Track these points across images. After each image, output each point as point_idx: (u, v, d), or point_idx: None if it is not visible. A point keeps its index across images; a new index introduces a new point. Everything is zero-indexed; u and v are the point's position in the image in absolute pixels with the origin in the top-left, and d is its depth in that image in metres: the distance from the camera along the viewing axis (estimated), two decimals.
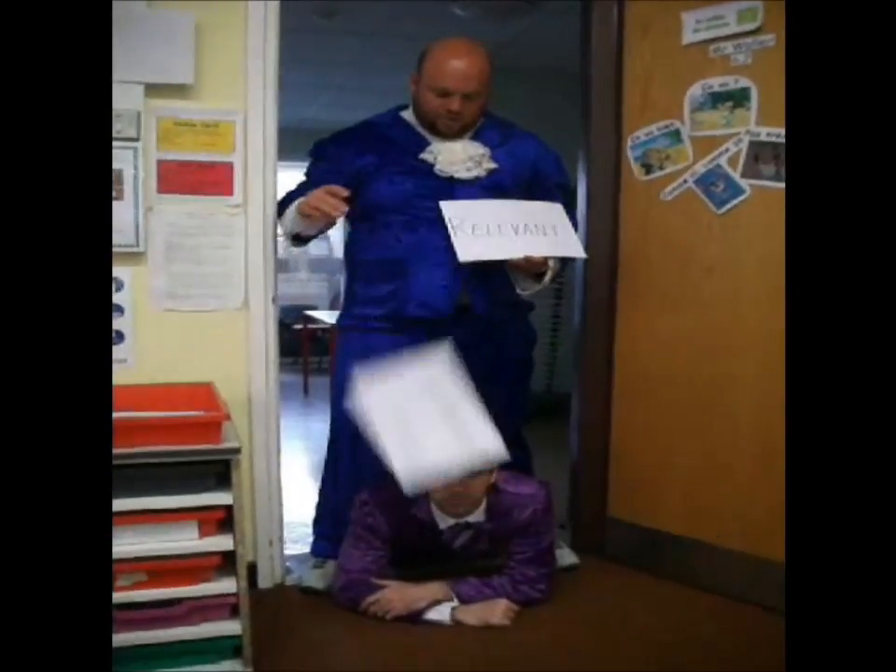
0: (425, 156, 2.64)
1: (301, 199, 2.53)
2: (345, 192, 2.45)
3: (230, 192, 2.64)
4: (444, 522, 2.57)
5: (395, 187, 2.61)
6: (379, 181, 2.63)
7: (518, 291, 2.66)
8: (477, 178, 2.64)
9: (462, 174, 2.63)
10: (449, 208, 2.53)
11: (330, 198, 2.44)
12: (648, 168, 2.85)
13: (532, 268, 2.57)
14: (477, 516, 2.57)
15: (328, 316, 6.71)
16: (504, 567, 2.62)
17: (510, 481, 2.61)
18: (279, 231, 2.71)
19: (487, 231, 2.51)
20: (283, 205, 2.69)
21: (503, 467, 2.61)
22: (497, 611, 2.50)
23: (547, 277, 2.62)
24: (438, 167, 2.62)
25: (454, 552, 2.63)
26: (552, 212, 2.64)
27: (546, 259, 2.56)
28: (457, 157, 2.64)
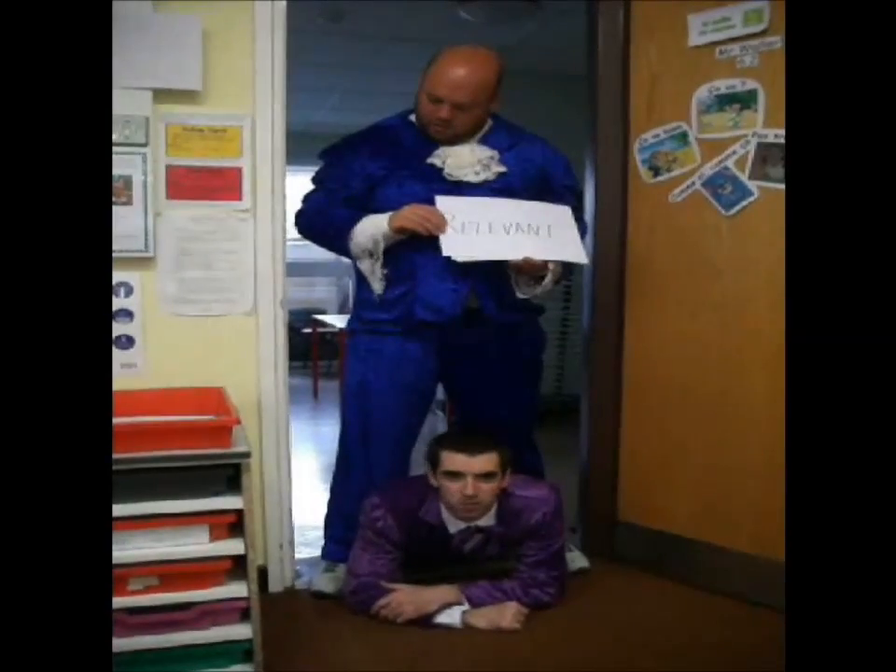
0: (433, 160, 2.64)
1: (392, 214, 2.53)
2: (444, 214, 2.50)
3: (238, 197, 2.64)
4: (455, 526, 2.57)
5: (404, 190, 2.61)
6: (389, 185, 2.63)
7: (517, 294, 2.65)
8: (485, 182, 2.64)
9: (471, 177, 2.63)
10: (444, 203, 2.53)
11: (438, 214, 2.49)
12: (655, 171, 2.85)
13: (531, 270, 2.56)
14: (487, 520, 2.58)
15: (337, 320, 6.73)
16: (514, 570, 2.62)
17: (519, 484, 2.61)
18: (357, 249, 2.62)
19: (477, 229, 2.51)
20: (319, 222, 2.68)
21: (514, 469, 2.62)
22: (507, 615, 2.49)
23: (546, 280, 2.61)
24: (447, 171, 2.63)
25: (464, 556, 2.63)
26: (556, 214, 2.63)
27: (546, 261, 2.56)
28: (466, 160, 2.64)
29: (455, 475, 2.47)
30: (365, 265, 2.62)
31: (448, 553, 2.62)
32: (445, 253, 2.47)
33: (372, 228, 2.57)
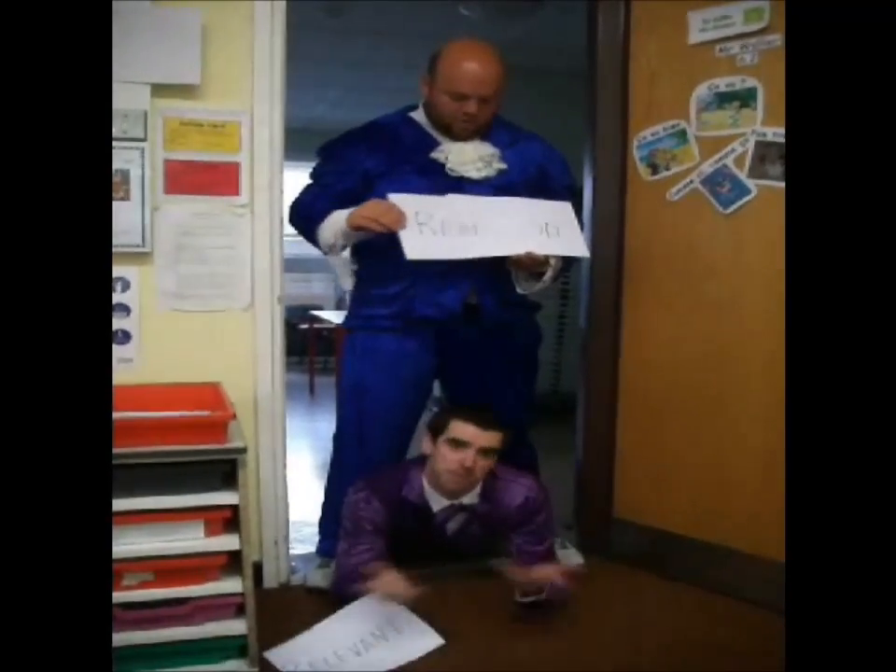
0: (435, 155, 2.64)
1: (352, 210, 2.51)
2: (403, 211, 2.45)
3: (236, 192, 2.64)
4: (437, 504, 2.60)
5: (405, 186, 2.61)
6: (389, 181, 2.63)
7: (518, 290, 2.65)
8: (487, 178, 2.65)
9: (472, 173, 2.63)
10: (453, 201, 2.53)
11: (394, 211, 2.44)
12: (654, 168, 2.84)
13: (533, 266, 2.56)
14: (471, 498, 2.61)
15: (334, 316, 6.71)
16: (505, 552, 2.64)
17: (505, 469, 2.66)
18: (322, 244, 2.64)
19: (441, 228, 2.50)
20: (303, 214, 2.68)
21: (507, 463, 2.63)
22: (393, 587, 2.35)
23: (547, 276, 2.61)
24: (449, 167, 2.63)
25: (448, 538, 2.64)
26: (558, 210, 2.64)
27: (547, 257, 2.56)
28: (468, 157, 2.64)
29: (459, 444, 2.49)
30: (332, 260, 2.63)
31: (432, 535, 2.63)
32: (407, 255, 2.43)
33: (335, 224, 2.57)
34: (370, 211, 2.47)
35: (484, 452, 2.51)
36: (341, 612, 2.41)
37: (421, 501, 2.60)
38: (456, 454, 2.50)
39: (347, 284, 2.63)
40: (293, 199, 2.74)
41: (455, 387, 2.91)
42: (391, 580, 2.36)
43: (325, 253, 2.67)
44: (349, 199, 2.61)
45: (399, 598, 2.36)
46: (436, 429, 2.57)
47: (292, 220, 2.73)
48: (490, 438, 2.51)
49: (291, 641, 2.32)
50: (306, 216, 2.68)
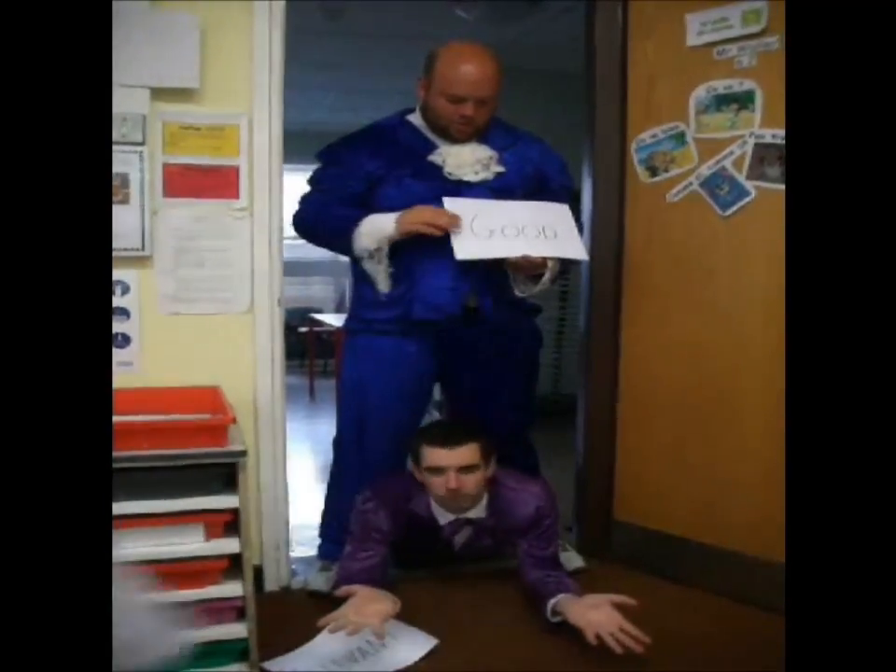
0: (433, 158, 2.64)
1: (400, 214, 2.52)
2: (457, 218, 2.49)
3: (235, 196, 2.64)
4: (444, 518, 2.59)
5: (403, 189, 2.61)
6: (388, 184, 2.63)
7: (516, 293, 2.65)
8: (485, 181, 2.65)
9: (470, 176, 2.63)
10: (451, 205, 2.53)
11: (446, 216, 2.48)
12: (653, 171, 2.84)
13: (530, 268, 2.56)
14: (477, 512, 2.59)
15: (333, 319, 6.72)
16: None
17: (512, 477, 2.62)
18: (360, 250, 2.60)
19: (487, 229, 2.52)
20: (318, 222, 2.67)
21: (508, 466, 2.62)
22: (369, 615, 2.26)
23: (545, 278, 2.61)
24: (447, 170, 2.63)
25: (455, 550, 2.63)
26: (556, 213, 2.64)
27: (545, 259, 2.56)
28: (465, 160, 2.64)
29: (437, 470, 2.48)
30: (369, 266, 2.61)
31: (439, 547, 2.63)
32: (458, 255, 2.47)
33: (377, 231, 2.55)
34: (421, 216, 2.49)
35: (465, 468, 2.47)
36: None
37: (428, 514, 2.59)
38: (439, 479, 2.48)
39: (385, 287, 2.61)
40: (297, 207, 2.73)
41: (455, 390, 2.91)
42: (363, 605, 2.27)
43: (360, 258, 2.63)
44: (357, 203, 2.61)
45: (369, 626, 2.22)
46: (415, 457, 2.56)
47: (300, 228, 2.71)
48: (463, 455, 2.46)
49: (289, 654, 2.31)
50: (325, 224, 2.66)
